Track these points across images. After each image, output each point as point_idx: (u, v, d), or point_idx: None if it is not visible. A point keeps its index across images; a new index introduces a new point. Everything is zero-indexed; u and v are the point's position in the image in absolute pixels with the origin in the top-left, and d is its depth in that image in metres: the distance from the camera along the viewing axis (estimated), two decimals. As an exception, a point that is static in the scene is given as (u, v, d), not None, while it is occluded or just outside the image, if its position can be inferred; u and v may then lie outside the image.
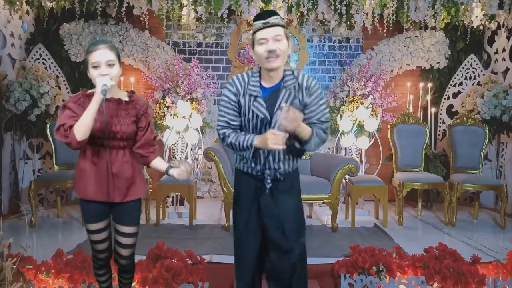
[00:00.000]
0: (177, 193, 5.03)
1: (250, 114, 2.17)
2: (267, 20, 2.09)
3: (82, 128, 2.10)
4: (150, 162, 2.38)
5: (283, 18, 2.27)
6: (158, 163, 2.39)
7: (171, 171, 2.34)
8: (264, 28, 2.09)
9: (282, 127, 2.00)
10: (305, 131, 2.09)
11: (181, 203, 5.16)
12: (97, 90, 2.11)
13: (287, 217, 2.26)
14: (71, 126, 2.12)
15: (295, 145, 2.15)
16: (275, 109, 2.12)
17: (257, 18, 2.14)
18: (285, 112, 1.97)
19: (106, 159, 2.23)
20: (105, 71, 2.15)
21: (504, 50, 5.53)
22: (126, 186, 2.28)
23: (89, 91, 2.24)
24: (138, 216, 2.42)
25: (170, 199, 5.19)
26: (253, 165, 2.25)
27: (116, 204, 2.29)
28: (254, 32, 2.13)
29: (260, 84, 2.19)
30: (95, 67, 2.16)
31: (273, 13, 2.13)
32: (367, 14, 5.18)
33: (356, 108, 5.32)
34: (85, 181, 2.24)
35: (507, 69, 5.46)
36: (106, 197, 2.25)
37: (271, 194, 2.27)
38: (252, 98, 2.17)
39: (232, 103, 2.20)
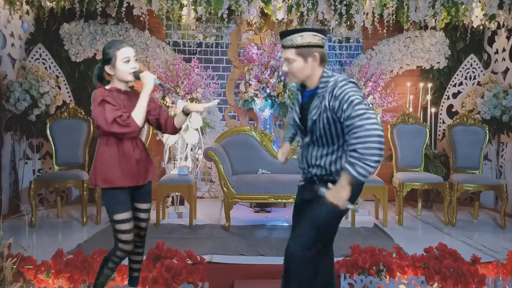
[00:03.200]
0: (177, 193, 5.03)
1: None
2: (282, 42, 2.20)
3: (141, 115, 2.35)
4: (174, 124, 2.60)
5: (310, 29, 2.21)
6: (178, 118, 2.58)
7: (188, 108, 2.54)
8: (283, 48, 2.22)
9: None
10: (349, 181, 2.01)
11: (181, 203, 5.17)
12: (151, 82, 2.38)
13: (302, 219, 2.30)
14: (128, 116, 2.31)
15: (331, 143, 2.21)
16: (307, 115, 2.21)
17: (280, 36, 2.25)
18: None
19: (131, 147, 2.43)
20: (134, 65, 2.41)
21: (504, 50, 5.53)
22: (144, 169, 2.50)
23: (108, 87, 2.43)
24: (151, 194, 2.67)
25: (170, 199, 5.19)
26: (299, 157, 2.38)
27: (138, 187, 2.48)
28: None
29: (306, 88, 2.29)
30: (126, 61, 2.38)
31: (288, 33, 2.17)
32: (367, 14, 5.19)
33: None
34: (114, 170, 2.39)
35: (507, 69, 5.46)
36: (134, 181, 2.44)
37: (304, 195, 2.37)
38: (295, 101, 2.36)
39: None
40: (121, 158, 2.40)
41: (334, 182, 2.12)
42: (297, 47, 2.15)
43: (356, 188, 2.23)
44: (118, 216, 2.40)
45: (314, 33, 2.16)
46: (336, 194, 2.02)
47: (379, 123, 1.96)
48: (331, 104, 2.08)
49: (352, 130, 1.97)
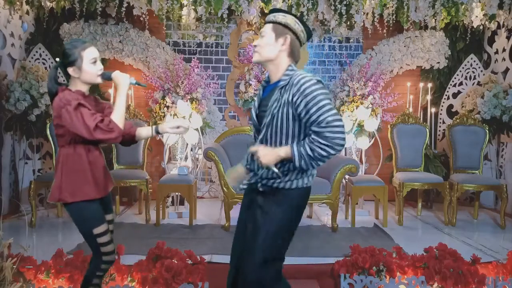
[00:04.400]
0: (177, 193, 5.03)
1: None
2: (266, 17, 2.13)
3: (122, 118, 2.17)
4: (135, 135, 2.36)
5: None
6: (143, 131, 2.38)
7: (162, 128, 2.34)
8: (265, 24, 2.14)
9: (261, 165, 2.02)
10: (286, 155, 1.98)
11: (181, 203, 5.16)
12: (125, 81, 2.22)
13: (249, 236, 2.11)
14: (110, 120, 2.12)
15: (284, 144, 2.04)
16: (265, 111, 2.07)
17: None
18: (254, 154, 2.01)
19: (99, 154, 2.28)
20: (101, 66, 2.24)
21: (504, 50, 5.53)
22: (108, 177, 2.34)
23: (76, 89, 2.22)
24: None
25: (170, 199, 5.19)
26: (247, 160, 2.21)
27: (103, 197, 2.30)
28: None
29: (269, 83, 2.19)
30: (93, 62, 2.20)
31: (272, 10, 2.13)
32: (367, 14, 5.19)
33: (356, 108, 5.32)
34: (86, 180, 2.20)
35: (507, 69, 5.46)
36: (105, 191, 2.29)
37: (249, 200, 2.20)
38: (257, 97, 2.21)
39: None
40: (93, 167, 2.22)
41: (276, 190, 2.06)
42: (275, 23, 2.08)
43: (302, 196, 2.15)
44: (98, 230, 2.22)
45: (298, 22, 2.09)
46: (269, 156, 1.98)
47: (344, 129, 1.95)
48: (294, 99, 1.96)
49: (320, 137, 1.92)
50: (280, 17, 2.08)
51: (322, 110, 1.92)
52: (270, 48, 2.07)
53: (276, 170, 2.00)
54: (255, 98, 2.20)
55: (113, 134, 2.11)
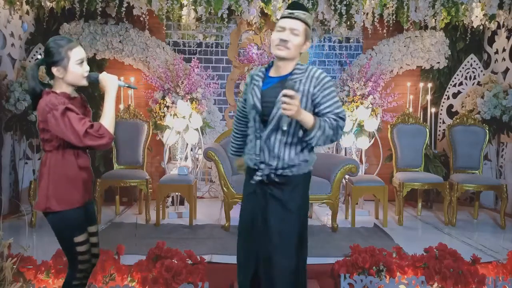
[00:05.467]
0: (177, 193, 5.03)
1: (248, 102, 2.26)
2: (293, 11, 2.13)
3: (112, 123, 2.04)
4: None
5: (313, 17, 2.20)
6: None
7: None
8: (287, 17, 2.13)
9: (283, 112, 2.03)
10: (307, 118, 2.02)
11: (181, 203, 5.16)
12: (114, 84, 2.10)
13: (275, 230, 2.16)
14: (100, 126, 1.99)
15: (298, 133, 2.12)
16: (274, 102, 2.10)
17: (288, 7, 2.19)
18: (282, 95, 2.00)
19: (87, 159, 2.18)
20: (87, 67, 2.15)
21: (504, 50, 5.53)
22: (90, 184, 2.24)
23: (60, 91, 2.09)
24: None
25: (170, 199, 5.19)
26: (252, 155, 2.22)
27: (87, 206, 2.20)
28: (279, 19, 2.19)
29: (268, 74, 2.22)
30: (80, 63, 2.10)
31: (303, 8, 2.16)
32: (367, 14, 5.19)
33: (356, 108, 5.33)
34: (75, 187, 2.11)
35: (507, 69, 5.46)
36: (89, 197, 2.20)
37: (263, 195, 2.20)
38: (253, 86, 2.22)
39: (244, 95, 2.36)
40: (82, 173, 2.13)
41: (291, 180, 2.15)
42: (308, 25, 2.14)
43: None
44: (78, 238, 2.11)
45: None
46: (298, 111, 1.98)
47: None
48: (315, 90, 2.09)
49: (338, 126, 2.09)
50: (310, 20, 2.15)
51: (337, 104, 2.12)
52: (298, 48, 2.14)
53: (285, 128, 2.04)
54: (254, 89, 2.19)
55: (104, 140, 1.98)
